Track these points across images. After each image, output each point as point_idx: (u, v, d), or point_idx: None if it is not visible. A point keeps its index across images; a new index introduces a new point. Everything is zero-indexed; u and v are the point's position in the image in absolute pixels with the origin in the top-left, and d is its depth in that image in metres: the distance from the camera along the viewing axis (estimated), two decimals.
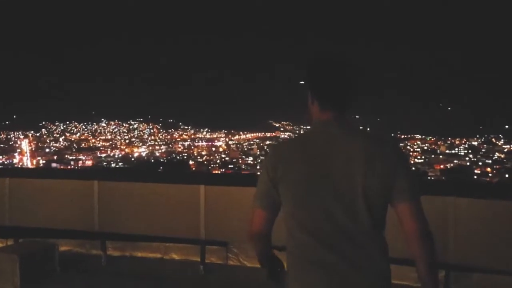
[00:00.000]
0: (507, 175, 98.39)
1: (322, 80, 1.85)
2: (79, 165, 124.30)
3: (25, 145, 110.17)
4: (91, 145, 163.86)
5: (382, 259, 1.78)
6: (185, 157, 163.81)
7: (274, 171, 1.81)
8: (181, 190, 5.35)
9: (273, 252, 1.85)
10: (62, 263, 5.40)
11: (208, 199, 5.05)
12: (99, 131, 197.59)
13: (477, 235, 4.08)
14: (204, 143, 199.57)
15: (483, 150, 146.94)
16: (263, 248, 1.85)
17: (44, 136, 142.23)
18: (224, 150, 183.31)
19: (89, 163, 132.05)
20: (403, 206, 1.76)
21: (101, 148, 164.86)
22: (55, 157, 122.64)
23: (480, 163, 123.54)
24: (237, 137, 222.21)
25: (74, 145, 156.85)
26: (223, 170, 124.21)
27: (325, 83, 1.84)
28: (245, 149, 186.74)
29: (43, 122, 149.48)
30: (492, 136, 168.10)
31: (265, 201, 1.86)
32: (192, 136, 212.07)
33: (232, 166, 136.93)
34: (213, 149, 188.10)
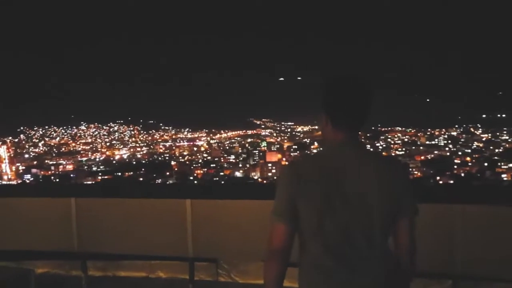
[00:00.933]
0: (486, 164, 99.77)
1: (341, 101, 1.89)
2: (60, 169, 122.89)
3: (3, 151, 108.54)
4: (71, 149, 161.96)
5: (382, 273, 1.87)
6: (167, 158, 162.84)
7: (294, 188, 1.86)
8: (165, 205, 5.01)
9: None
10: (40, 287, 5.03)
11: (195, 214, 4.77)
12: (79, 134, 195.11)
13: (485, 243, 4.00)
14: (186, 143, 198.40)
15: (462, 140, 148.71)
16: (281, 269, 1.86)
17: (23, 142, 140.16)
18: (206, 149, 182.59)
19: (70, 167, 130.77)
20: (402, 222, 1.89)
21: (82, 152, 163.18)
22: (35, 162, 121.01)
23: (459, 153, 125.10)
24: (218, 135, 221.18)
25: (54, 149, 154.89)
26: (206, 169, 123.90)
27: (344, 104, 1.89)
28: (227, 147, 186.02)
29: (21, 128, 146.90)
30: (470, 125, 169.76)
31: (286, 215, 1.87)
32: (173, 137, 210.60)
33: (214, 165, 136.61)
34: (195, 148, 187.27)
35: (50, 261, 5.26)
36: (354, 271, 1.81)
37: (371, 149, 2.08)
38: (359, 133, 1.93)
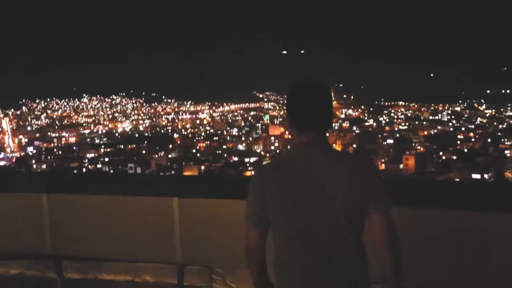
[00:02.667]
0: (489, 140, 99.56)
1: (297, 105, 1.94)
2: (63, 142, 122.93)
3: (5, 124, 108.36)
4: (74, 121, 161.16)
5: (356, 271, 1.90)
6: (169, 130, 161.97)
7: (260, 193, 1.93)
8: (148, 204, 4.37)
9: (267, 275, 2.07)
10: None
11: (184, 215, 4.17)
12: (81, 107, 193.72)
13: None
14: (188, 116, 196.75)
15: (465, 115, 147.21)
16: (258, 266, 2.04)
17: (25, 114, 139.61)
18: (208, 123, 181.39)
19: (72, 140, 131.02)
20: (376, 217, 1.88)
21: (84, 124, 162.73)
22: (37, 135, 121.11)
23: (463, 129, 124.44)
24: (221, 108, 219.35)
25: (57, 122, 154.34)
26: (208, 142, 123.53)
27: (301, 108, 1.93)
28: (230, 120, 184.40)
29: (23, 100, 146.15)
30: (474, 101, 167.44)
31: (256, 220, 1.97)
32: (176, 110, 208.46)
33: (217, 138, 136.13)
34: (198, 121, 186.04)
35: (25, 261, 4.71)
36: (316, 264, 1.86)
37: (338, 150, 2.01)
38: (325, 134, 1.96)
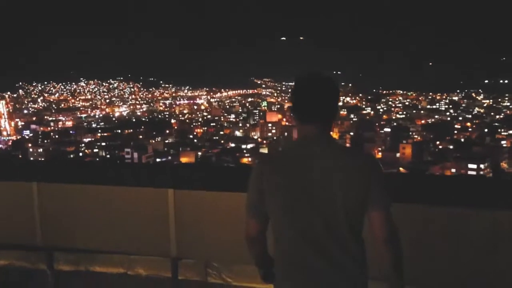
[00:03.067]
0: (486, 130, 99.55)
1: (300, 95, 1.93)
2: (59, 126, 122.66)
3: (1, 106, 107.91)
4: (71, 105, 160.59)
5: (355, 268, 1.89)
6: (166, 115, 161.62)
7: (260, 184, 1.92)
8: (142, 194, 4.20)
9: (268, 255, 2.08)
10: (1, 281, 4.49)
11: (180, 207, 4.00)
12: (78, 91, 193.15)
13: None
14: (186, 101, 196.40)
15: (463, 105, 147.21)
16: (258, 251, 2.08)
17: (22, 97, 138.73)
18: (206, 108, 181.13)
19: (69, 123, 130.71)
20: (375, 214, 1.88)
21: (81, 108, 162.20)
22: (34, 118, 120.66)
23: (460, 118, 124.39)
24: (218, 94, 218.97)
25: (53, 105, 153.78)
26: (206, 128, 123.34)
27: (303, 98, 1.93)
28: (227, 106, 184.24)
29: (20, 83, 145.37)
30: (472, 91, 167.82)
31: (255, 211, 1.98)
32: (174, 95, 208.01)
33: (214, 124, 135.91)
34: (195, 107, 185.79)
35: (14, 251, 4.55)
36: (313, 255, 1.86)
37: (339, 144, 1.98)
38: (327, 127, 1.94)
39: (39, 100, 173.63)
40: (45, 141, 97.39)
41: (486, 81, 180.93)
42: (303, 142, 1.92)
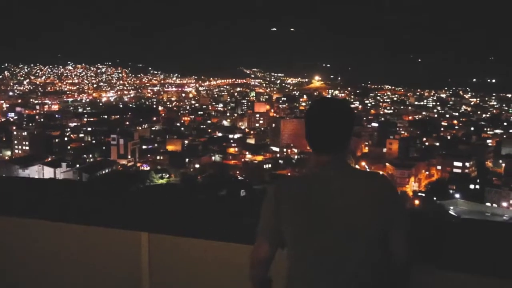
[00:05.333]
0: (472, 128, 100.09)
1: (314, 126, 1.89)
2: (45, 109, 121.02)
3: None
4: (57, 89, 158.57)
5: None
6: (154, 102, 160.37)
7: (276, 211, 1.87)
8: (111, 238, 3.29)
9: (269, 279, 2.00)
10: None
11: (155, 256, 3.19)
12: (65, 74, 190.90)
13: None
14: (174, 89, 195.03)
15: (450, 102, 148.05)
16: (262, 276, 1.99)
17: (7, 79, 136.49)
18: (194, 96, 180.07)
19: (55, 107, 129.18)
20: (396, 237, 1.84)
21: (68, 92, 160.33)
22: (19, 100, 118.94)
23: (447, 116, 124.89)
24: (207, 83, 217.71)
25: (40, 88, 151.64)
26: (193, 116, 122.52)
27: (317, 130, 1.88)
28: (215, 95, 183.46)
29: (6, 64, 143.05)
30: (460, 89, 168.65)
31: (269, 234, 1.92)
32: (162, 82, 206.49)
33: (202, 112, 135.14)
34: (183, 95, 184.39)
35: None
36: None
37: (355, 169, 1.78)
38: (343, 154, 1.91)
39: (25, 82, 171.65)
40: (30, 124, 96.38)
41: (474, 80, 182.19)
42: (319, 170, 1.87)
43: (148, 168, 72.81)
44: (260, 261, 1.96)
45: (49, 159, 71.93)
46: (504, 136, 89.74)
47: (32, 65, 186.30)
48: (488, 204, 53.99)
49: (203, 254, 3.08)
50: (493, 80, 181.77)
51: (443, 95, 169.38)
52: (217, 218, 3.16)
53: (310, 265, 1.82)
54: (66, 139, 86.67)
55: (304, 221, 1.81)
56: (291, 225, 1.84)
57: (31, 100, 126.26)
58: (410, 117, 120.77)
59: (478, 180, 58.92)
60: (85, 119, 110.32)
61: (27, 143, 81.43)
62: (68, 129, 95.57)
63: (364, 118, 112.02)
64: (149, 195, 4.35)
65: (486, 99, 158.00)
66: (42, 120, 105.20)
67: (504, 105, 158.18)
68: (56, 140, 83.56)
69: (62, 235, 3.34)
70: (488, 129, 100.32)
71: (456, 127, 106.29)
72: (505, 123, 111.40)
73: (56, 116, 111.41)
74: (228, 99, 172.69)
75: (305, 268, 1.83)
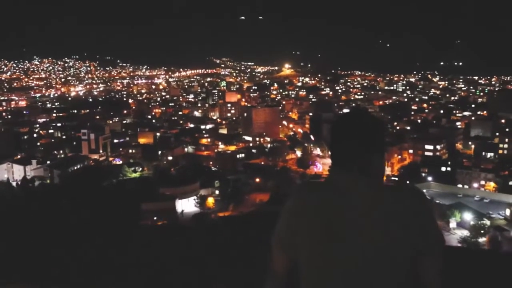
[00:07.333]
0: (442, 111, 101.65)
1: (337, 141, 1.73)
2: (12, 106, 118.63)
3: None
4: (24, 84, 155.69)
5: None
6: (124, 95, 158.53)
7: (294, 225, 1.72)
8: None
9: None
10: None
11: None
12: (32, 69, 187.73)
13: None
14: (144, 81, 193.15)
15: (420, 86, 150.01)
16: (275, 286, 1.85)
17: None
18: (164, 88, 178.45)
19: (22, 103, 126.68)
20: (426, 261, 1.66)
21: (35, 87, 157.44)
22: None
23: (417, 99, 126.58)
24: (177, 74, 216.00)
25: (5, 84, 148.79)
26: (164, 108, 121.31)
27: (340, 145, 1.73)
28: (186, 86, 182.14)
29: None
30: (428, 72, 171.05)
31: (281, 244, 1.77)
32: (131, 74, 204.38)
33: (172, 104, 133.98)
34: (153, 87, 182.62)
35: None
36: None
37: (381, 183, 1.59)
38: (367, 168, 1.69)
39: None
40: None
41: (442, 63, 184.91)
42: (342, 184, 1.68)
43: (121, 162, 72.48)
44: (276, 274, 1.81)
45: (19, 156, 70.96)
46: (473, 118, 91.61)
47: None
48: (460, 185, 55.31)
49: None
50: (460, 63, 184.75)
51: (412, 79, 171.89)
52: None
53: (328, 282, 1.66)
54: (35, 135, 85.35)
55: (322, 241, 1.63)
56: (308, 239, 1.67)
57: None
58: (380, 102, 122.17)
59: (449, 162, 60.21)
60: (54, 115, 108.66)
61: None
62: (37, 125, 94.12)
63: (336, 105, 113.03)
64: None
65: (454, 82, 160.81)
66: (9, 116, 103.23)
67: (471, 87, 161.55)
68: (25, 137, 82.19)
69: None
70: (457, 111, 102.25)
71: (426, 110, 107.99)
72: (473, 105, 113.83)
73: (24, 112, 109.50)
74: (199, 90, 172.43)
75: (322, 284, 1.67)
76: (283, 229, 1.75)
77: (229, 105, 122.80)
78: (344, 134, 1.69)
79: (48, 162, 66.31)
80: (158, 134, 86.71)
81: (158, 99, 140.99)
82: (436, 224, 1.69)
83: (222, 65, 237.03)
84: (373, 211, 1.62)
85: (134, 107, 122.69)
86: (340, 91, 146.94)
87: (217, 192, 52.88)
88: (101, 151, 76.36)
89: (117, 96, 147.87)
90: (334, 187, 1.70)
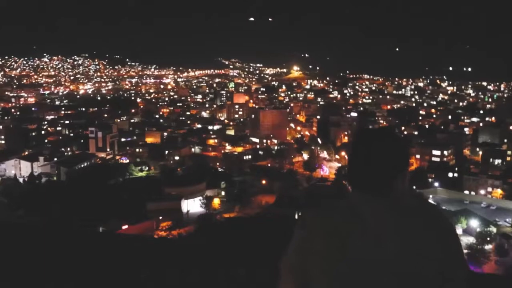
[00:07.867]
0: (450, 117, 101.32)
1: (355, 162, 1.60)
2: (21, 102, 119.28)
3: None
4: (33, 81, 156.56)
5: None
6: (132, 94, 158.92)
7: (310, 249, 1.61)
8: None
9: None
10: None
11: None
12: (41, 66, 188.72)
13: None
14: (152, 80, 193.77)
15: (428, 91, 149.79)
16: None
17: None
18: (172, 88, 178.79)
19: (31, 100, 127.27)
20: (450, 286, 1.55)
21: (44, 85, 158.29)
22: None
23: (425, 104, 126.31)
24: (185, 74, 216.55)
25: (15, 81, 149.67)
26: (172, 108, 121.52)
27: (358, 167, 1.60)
28: (194, 86, 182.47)
29: None
30: (437, 77, 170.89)
31: (291, 265, 1.67)
32: (140, 73, 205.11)
33: (180, 104, 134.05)
34: (162, 86, 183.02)
35: None
36: None
37: (402, 206, 1.46)
38: (387, 192, 1.57)
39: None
40: (6, 117, 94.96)
41: (451, 68, 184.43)
42: (360, 209, 1.58)
43: (127, 161, 72.72)
44: None
45: (26, 153, 71.32)
46: (481, 124, 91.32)
47: (6, 57, 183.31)
48: (467, 192, 55.07)
49: None
50: (469, 69, 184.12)
51: (421, 84, 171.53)
52: None
53: None
54: (43, 132, 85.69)
55: (338, 266, 1.53)
56: (322, 269, 1.57)
57: (7, 92, 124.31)
58: (388, 106, 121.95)
59: (456, 168, 59.99)
60: (63, 112, 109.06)
61: (2, 137, 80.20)
62: (45, 122, 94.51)
63: (343, 108, 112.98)
64: None
65: (463, 87, 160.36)
66: (18, 113, 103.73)
67: (480, 93, 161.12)
68: (33, 134, 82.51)
69: None
70: (465, 117, 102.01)
71: (434, 115, 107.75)
72: (481, 111, 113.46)
73: (33, 109, 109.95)
74: (207, 90, 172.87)
75: None
76: (294, 254, 1.64)
77: (237, 106, 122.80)
78: (369, 158, 1.55)
79: (55, 159, 66.78)
80: (165, 134, 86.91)
81: (166, 99, 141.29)
82: (461, 249, 1.59)
83: (231, 66, 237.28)
84: (397, 239, 1.52)
85: (142, 107, 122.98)
86: (348, 94, 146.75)
87: (223, 193, 53.00)
88: (108, 150, 76.66)
89: (125, 95, 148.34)
90: (352, 212, 1.59)
